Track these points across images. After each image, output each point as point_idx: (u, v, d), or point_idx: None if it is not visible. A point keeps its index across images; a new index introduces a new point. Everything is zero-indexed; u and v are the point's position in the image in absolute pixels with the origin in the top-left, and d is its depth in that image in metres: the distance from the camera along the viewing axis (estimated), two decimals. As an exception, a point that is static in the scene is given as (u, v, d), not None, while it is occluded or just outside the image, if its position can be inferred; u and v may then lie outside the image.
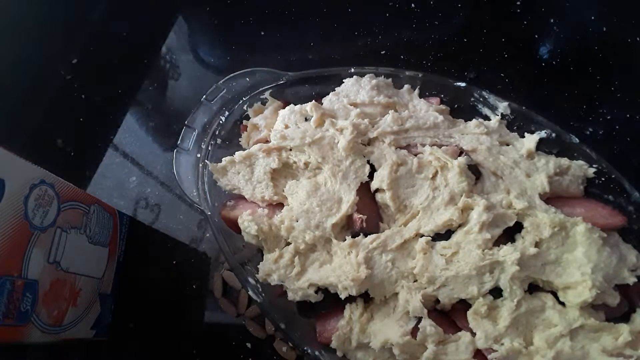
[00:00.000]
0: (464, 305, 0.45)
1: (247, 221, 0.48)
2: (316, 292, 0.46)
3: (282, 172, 0.52)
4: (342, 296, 0.45)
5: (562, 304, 0.44)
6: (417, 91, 0.56)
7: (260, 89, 0.57)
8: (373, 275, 0.45)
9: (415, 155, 0.51)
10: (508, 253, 0.44)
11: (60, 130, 0.70)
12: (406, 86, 0.56)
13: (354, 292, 0.44)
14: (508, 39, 0.69)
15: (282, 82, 0.57)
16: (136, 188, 0.65)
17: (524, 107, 0.53)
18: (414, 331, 0.43)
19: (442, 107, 0.55)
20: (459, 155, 0.50)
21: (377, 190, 0.50)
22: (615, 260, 0.44)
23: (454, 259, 0.45)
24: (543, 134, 0.51)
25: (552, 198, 0.49)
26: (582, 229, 0.45)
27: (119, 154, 0.69)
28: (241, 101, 0.57)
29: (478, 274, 0.44)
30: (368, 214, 0.48)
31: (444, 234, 0.47)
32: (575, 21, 0.70)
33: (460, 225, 0.47)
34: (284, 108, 0.55)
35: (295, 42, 0.74)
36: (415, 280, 0.45)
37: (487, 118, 0.54)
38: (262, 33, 0.75)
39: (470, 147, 0.51)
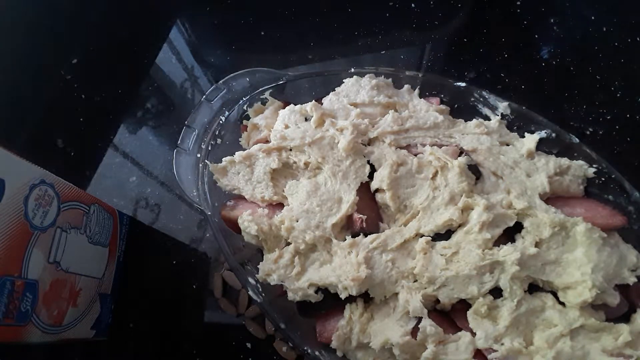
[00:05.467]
0: (464, 305, 0.45)
1: (247, 221, 0.48)
2: (316, 292, 0.46)
3: (282, 172, 0.52)
4: (342, 296, 0.45)
5: (562, 304, 0.44)
6: (417, 91, 0.56)
7: (260, 89, 0.57)
8: (373, 275, 0.45)
9: (415, 155, 0.51)
10: (508, 253, 0.44)
11: (60, 130, 0.70)
12: (406, 86, 0.56)
13: (354, 292, 0.44)
14: (508, 39, 0.69)
15: (282, 82, 0.57)
16: (136, 188, 0.65)
17: (524, 107, 0.53)
18: (414, 331, 0.43)
19: (442, 107, 0.55)
20: (459, 155, 0.50)
21: (377, 190, 0.50)
22: (615, 260, 0.44)
23: (454, 259, 0.45)
24: (543, 134, 0.51)
25: (552, 198, 0.49)
26: (582, 229, 0.45)
27: (119, 154, 0.69)
28: (241, 101, 0.57)
29: (478, 274, 0.44)
30: (368, 214, 0.48)
31: (444, 234, 0.47)
32: (575, 21, 0.70)
33: (460, 225, 0.47)
34: (284, 108, 0.55)
35: (295, 42, 0.74)
36: (415, 280, 0.45)
37: (487, 118, 0.54)
38: (262, 33, 0.75)
39: (471, 147, 0.51)
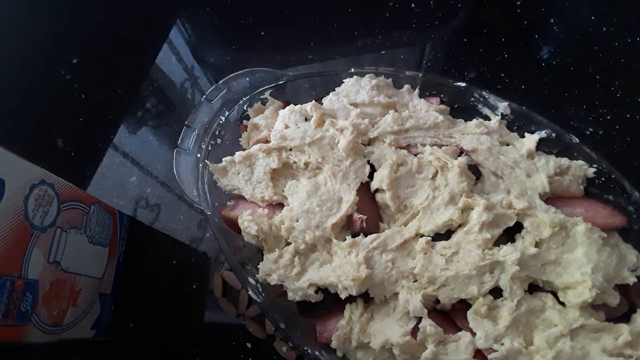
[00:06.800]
0: (464, 305, 0.45)
1: (247, 221, 0.48)
2: (316, 292, 0.46)
3: (282, 172, 0.52)
4: (342, 296, 0.45)
5: (562, 304, 0.45)
6: (417, 91, 0.56)
7: (260, 89, 0.57)
8: (373, 275, 0.45)
9: (415, 155, 0.51)
10: (508, 253, 0.44)
11: (60, 130, 0.70)
12: (406, 86, 0.56)
13: (354, 292, 0.44)
14: (508, 39, 0.69)
15: (282, 82, 0.57)
16: (136, 188, 0.65)
17: (524, 107, 0.53)
18: (414, 331, 0.43)
19: (442, 107, 0.55)
20: (459, 155, 0.50)
21: (377, 190, 0.50)
22: (615, 260, 0.44)
23: (454, 259, 0.45)
24: (543, 134, 0.51)
25: (552, 198, 0.49)
26: (582, 229, 0.45)
27: (119, 154, 0.69)
28: (241, 101, 0.57)
29: (478, 274, 0.44)
30: (368, 214, 0.48)
31: (444, 234, 0.47)
32: (575, 21, 0.70)
33: (460, 225, 0.47)
34: (284, 108, 0.55)
35: (295, 42, 0.74)
36: (416, 280, 0.45)
37: (487, 118, 0.54)
38: (262, 33, 0.75)
39: (471, 147, 0.51)
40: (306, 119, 0.54)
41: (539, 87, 0.65)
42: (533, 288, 0.46)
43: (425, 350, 0.42)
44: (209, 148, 0.54)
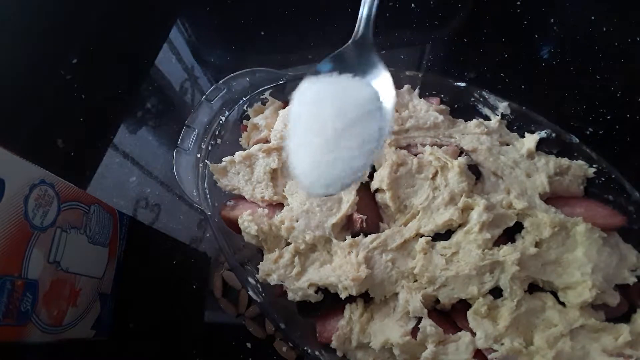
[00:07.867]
0: (464, 305, 0.45)
1: (247, 221, 0.48)
2: (316, 292, 0.46)
3: (282, 172, 0.52)
4: (342, 296, 0.45)
5: (562, 304, 0.45)
6: (417, 91, 0.56)
7: (260, 89, 0.57)
8: (373, 275, 0.45)
9: (415, 155, 0.51)
10: (508, 253, 0.44)
11: (60, 130, 0.70)
12: (406, 86, 0.56)
13: (354, 292, 0.44)
14: (508, 39, 0.69)
15: (282, 82, 0.57)
16: (136, 188, 0.65)
17: (524, 107, 0.53)
18: (414, 331, 0.43)
19: (442, 107, 0.55)
20: (459, 155, 0.50)
21: (377, 190, 0.50)
22: (615, 260, 0.44)
23: (454, 259, 0.45)
24: (543, 134, 0.51)
25: (552, 198, 0.49)
26: (582, 229, 0.45)
27: (119, 154, 0.69)
28: (241, 101, 0.57)
29: (478, 274, 0.44)
30: (368, 214, 0.48)
31: (444, 234, 0.47)
32: (575, 21, 0.70)
33: (460, 225, 0.47)
34: (284, 108, 0.55)
35: (295, 42, 0.74)
36: (416, 280, 0.45)
37: (487, 118, 0.54)
38: (262, 33, 0.75)
39: (471, 147, 0.51)
40: (306, 119, 0.53)
41: (539, 87, 0.65)
42: (533, 288, 0.46)
43: (425, 350, 0.42)
44: (209, 148, 0.54)
